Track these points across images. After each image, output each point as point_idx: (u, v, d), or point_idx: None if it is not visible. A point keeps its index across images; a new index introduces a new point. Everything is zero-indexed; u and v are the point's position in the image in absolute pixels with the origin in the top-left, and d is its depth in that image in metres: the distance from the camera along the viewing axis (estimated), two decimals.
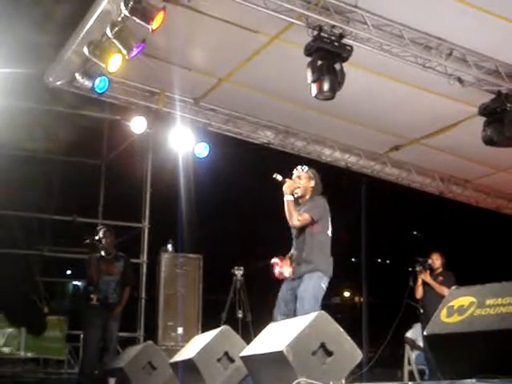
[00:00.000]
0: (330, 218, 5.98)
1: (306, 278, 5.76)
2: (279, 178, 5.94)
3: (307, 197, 6.05)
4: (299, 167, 6.15)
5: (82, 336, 10.14)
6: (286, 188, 5.88)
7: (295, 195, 5.95)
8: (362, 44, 7.23)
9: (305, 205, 5.99)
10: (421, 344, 9.17)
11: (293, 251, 6.03)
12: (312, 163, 6.39)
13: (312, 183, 6.07)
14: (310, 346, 4.38)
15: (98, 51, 7.54)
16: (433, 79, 7.87)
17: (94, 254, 8.23)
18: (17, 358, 10.25)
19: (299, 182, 6.03)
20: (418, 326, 9.63)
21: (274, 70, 8.49)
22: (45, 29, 7.96)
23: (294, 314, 5.64)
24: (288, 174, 6.07)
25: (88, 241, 8.28)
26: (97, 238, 8.29)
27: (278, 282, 6.06)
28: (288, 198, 5.86)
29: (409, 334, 9.80)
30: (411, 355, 9.68)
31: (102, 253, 8.26)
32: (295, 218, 5.82)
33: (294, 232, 6.04)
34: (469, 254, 15.61)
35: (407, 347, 9.80)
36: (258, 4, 6.75)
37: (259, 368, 4.89)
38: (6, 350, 10.05)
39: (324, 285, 5.78)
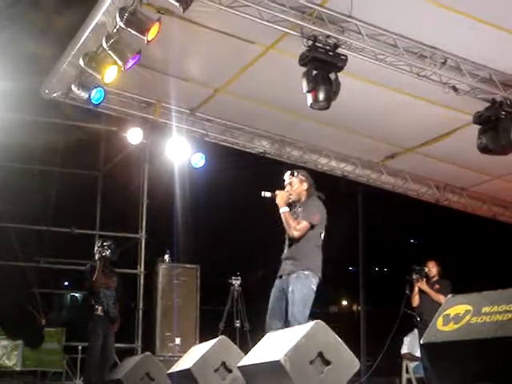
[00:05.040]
0: (325, 221, 5.93)
1: (294, 277, 5.69)
2: (268, 194, 5.91)
3: (302, 199, 6.01)
4: (288, 172, 6.10)
5: (79, 347, 10.22)
6: (278, 201, 5.85)
7: (290, 201, 5.92)
8: (356, 53, 7.27)
9: (301, 207, 5.94)
10: (418, 354, 9.13)
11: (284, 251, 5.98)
12: (308, 172, 6.33)
13: (305, 185, 6.03)
14: (308, 356, 4.38)
15: (93, 63, 7.56)
16: (427, 88, 7.91)
17: (99, 262, 8.25)
18: (14, 370, 10.20)
19: (291, 188, 5.99)
20: (409, 338, 9.63)
21: (270, 80, 8.52)
22: (40, 41, 7.99)
23: (286, 316, 5.61)
24: (280, 185, 6.02)
25: (97, 252, 8.32)
26: (101, 248, 8.33)
27: None
28: (283, 210, 5.83)
29: (405, 349, 9.74)
30: (409, 364, 9.66)
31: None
32: (293, 228, 5.77)
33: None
34: (465, 261, 15.61)
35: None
36: (252, 15, 6.77)
37: (257, 378, 4.89)
38: (3, 362, 10.00)
39: (314, 286, 5.71)
